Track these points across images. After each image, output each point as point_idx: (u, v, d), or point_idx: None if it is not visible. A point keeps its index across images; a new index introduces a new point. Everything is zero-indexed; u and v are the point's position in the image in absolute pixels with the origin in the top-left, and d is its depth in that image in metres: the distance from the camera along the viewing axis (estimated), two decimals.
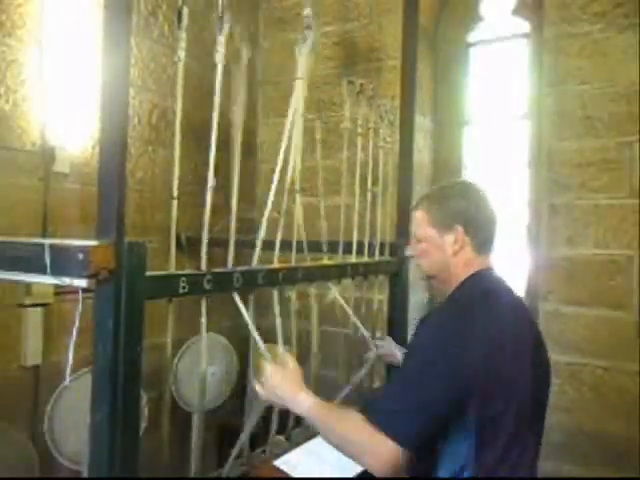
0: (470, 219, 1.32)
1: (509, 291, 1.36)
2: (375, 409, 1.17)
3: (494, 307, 1.25)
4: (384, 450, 1.10)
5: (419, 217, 1.38)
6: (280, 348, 1.43)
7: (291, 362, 1.37)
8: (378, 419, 1.13)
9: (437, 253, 1.34)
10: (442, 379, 1.13)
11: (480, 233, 1.33)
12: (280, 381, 1.32)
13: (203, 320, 1.49)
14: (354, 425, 1.16)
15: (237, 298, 1.49)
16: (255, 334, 1.52)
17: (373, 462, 1.13)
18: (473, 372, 1.13)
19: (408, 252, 1.46)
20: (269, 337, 1.79)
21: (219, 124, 1.45)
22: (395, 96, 2.38)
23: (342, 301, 1.99)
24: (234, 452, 1.61)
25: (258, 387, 1.35)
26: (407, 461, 1.11)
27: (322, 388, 2.05)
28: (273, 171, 1.64)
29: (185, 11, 1.44)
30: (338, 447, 1.20)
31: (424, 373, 1.15)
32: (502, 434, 1.17)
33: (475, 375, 1.13)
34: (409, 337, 2.26)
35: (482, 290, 1.29)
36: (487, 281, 1.33)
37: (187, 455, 1.54)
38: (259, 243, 1.61)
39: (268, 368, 1.35)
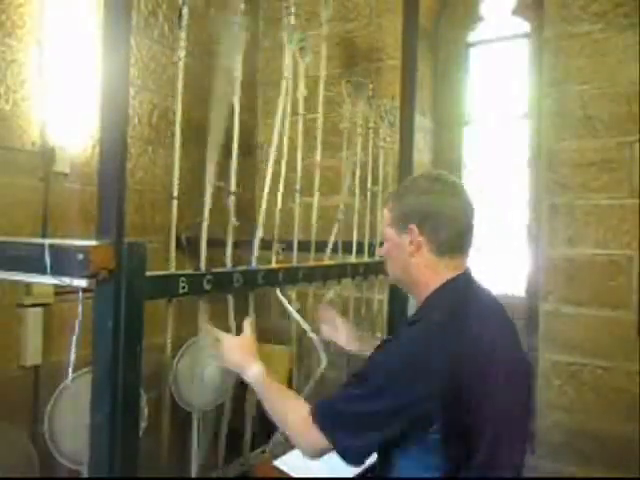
0: (426, 217, 1.19)
1: (485, 301, 1.24)
2: (325, 410, 1.16)
3: (463, 330, 1.12)
4: (316, 443, 1.15)
5: (384, 215, 1.30)
6: (248, 319, 1.47)
7: (248, 330, 1.42)
8: (324, 422, 1.14)
9: (397, 254, 1.25)
10: (395, 404, 1.08)
11: (440, 232, 1.19)
12: (234, 347, 1.38)
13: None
14: (298, 415, 1.18)
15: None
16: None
17: (304, 449, 1.21)
18: (427, 405, 1.05)
19: (378, 253, 1.40)
20: (269, 337, 1.79)
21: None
22: (395, 96, 2.38)
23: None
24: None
25: (214, 355, 1.41)
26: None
27: (321, 388, 2.05)
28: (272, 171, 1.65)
29: (185, 10, 1.44)
30: (275, 421, 1.27)
31: (377, 399, 1.09)
32: (475, 460, 1.08)
33: (430, 407, 1.05)
34: None
35: (450, 308, 1.15)
36: (458, 295, 1.19)
37: (187, 455, 1.54)
38: (257, 242, 1.61)
39: (223, 335, 1.42)
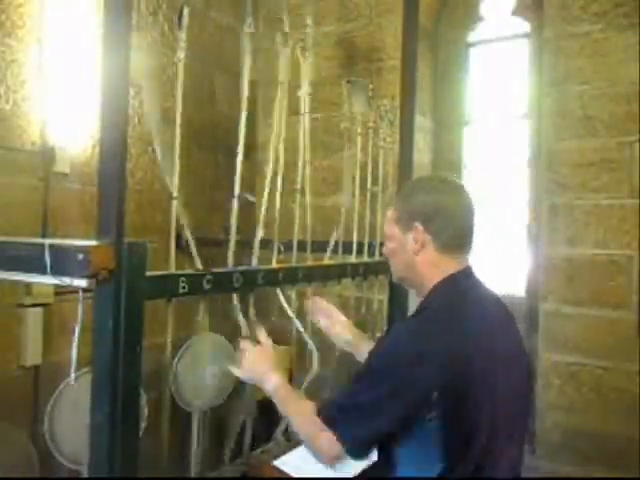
0: (431, 216, 1.23)
1: (485, 296, 1.28)
2: (329, 407, 1.19)
3: (461, 319, 1.16)
4: (329, 447, 1.14)
5: (388, 214, 1.33)
6: (260, 328, 1.46)
7: (264, 338, 1.43)
8: (330, 419, 1.16)
9: (402, 253, 1.27)
10: (396, 396, 1.10)
11: (444, 231, 1.23)
12: (252, 360, 1.38)
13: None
14: (309, 417, 1.19)
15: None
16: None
17: (319, 454, 1.18)
18: (426, 389, 1.08)
19: (383, 251, 1.41)
20: (269, 337, 1.79)
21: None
22: (395, 96, 2.38)
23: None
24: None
25: (233, 368, 1.41)
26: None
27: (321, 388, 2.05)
28: (272, 171, 1.65)
29: (186, 11, 1.44)
30: (294, 431, 1.28)
31: (380, 383, 1.12)
32: (473, 451, 1.11)
33: (429, 392, 1.08)
34: None
35: (450, 299, 1.20)
36: (458, 288, 1.23)
37: (187, 455, 1.54)
38: (257, 243, 1.62)
39: (244, 347, 1.41)
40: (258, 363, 1.38)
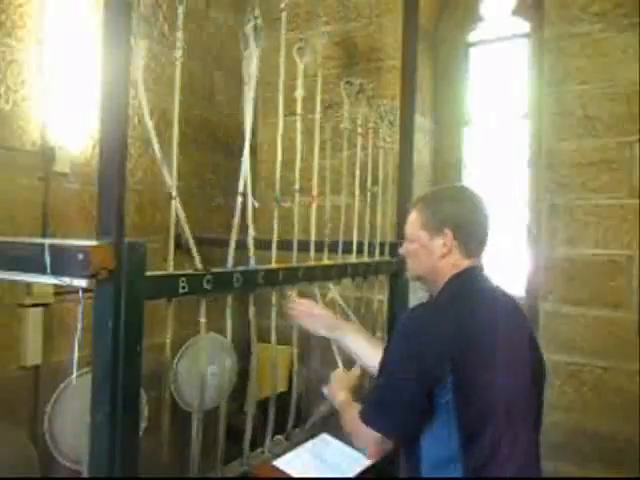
0: (460, 223, 1.33)
1: (495, 289, 1.38)
2: (363, 406, 1.31)
3: (472, 304, 1.27)
4: (368, 441, 1.28)
5: (412, 218, 1.41)
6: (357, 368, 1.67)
7: (355, 372, 1.65)
8: (364, 415, 1.27)
9: (425, 255, 1.36)
10: (411, 375, 1.21)
11: (470, 238, 1.34)
12: (336, 383, 1.59)
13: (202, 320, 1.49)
14: (354, 419, 1.30)
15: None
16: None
17: (362, 446, 1.37)
18: (440, 367, 1.17)
19: (400, 251, 1.51)
20: (269, 337, 1.79)
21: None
22: (395, 96, 2.38)
23: (341, 301, 1.97)
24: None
25: (325, 388, 1.61)
26: (392, 445, 1.27)
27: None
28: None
29: (181, 10, 1.43)
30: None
31: (396, 371, 1.25)
32: (489, 430, 1.20)
33: (443, 369, 1.17)
34: None
35: (463, 288, 1.31)
36: (470, 280, 1.34)
37: (187, 455, 1.54)
38: (251, 241, 1.61)
39: (336, 372, 1.65)
40: (337, 385, 1.58)
